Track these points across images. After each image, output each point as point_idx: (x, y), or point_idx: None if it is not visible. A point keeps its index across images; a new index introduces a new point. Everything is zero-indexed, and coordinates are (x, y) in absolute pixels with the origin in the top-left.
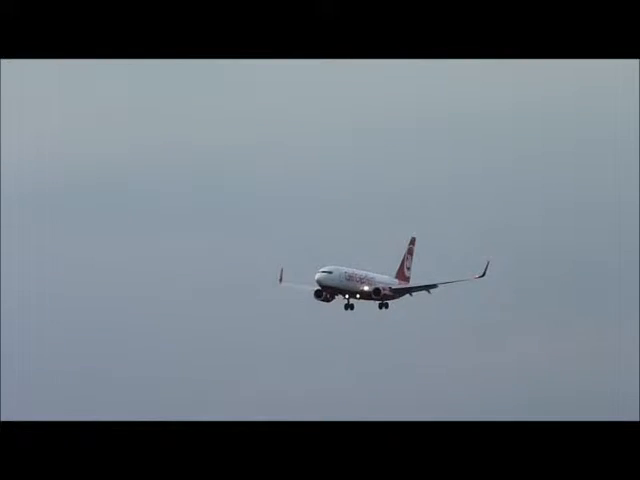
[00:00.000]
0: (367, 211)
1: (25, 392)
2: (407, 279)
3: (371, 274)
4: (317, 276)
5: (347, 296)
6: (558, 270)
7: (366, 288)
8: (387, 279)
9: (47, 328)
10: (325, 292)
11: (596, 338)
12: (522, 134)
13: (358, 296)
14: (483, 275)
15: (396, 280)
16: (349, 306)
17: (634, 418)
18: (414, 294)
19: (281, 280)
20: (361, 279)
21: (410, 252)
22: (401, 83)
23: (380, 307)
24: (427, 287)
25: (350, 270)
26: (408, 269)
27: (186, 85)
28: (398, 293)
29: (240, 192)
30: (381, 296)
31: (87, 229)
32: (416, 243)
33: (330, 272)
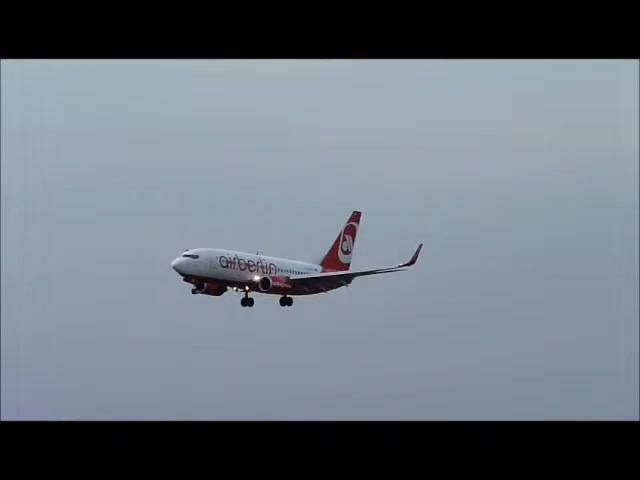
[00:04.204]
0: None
1: (25, 392)
2: (344, 267)
3: (271, 259)
4: (174, 262)
5: (235, 288)
6: (557, 269)
7: (256, 278)
8: (302, 266)
9: (46, 326)
10: (195, 282)
11: (596, 337)
12: (521, 134)
13: (247, 288)
14: (412, 262)
15: (319, 268)
16: (247, 301)
17: (634, 418)
18: (332, 291)
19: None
20: (250, 265)
21: (350, 231)
22: (401, 83)
23: (282, 304)
24: (339, 278)
25: (231, 253)
26: (346, 253)
27: (186, 85)
28: (306, 285)
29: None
30: (270, 289)
31: (87, 228)
32: (361, 220)
33: (195, 256)
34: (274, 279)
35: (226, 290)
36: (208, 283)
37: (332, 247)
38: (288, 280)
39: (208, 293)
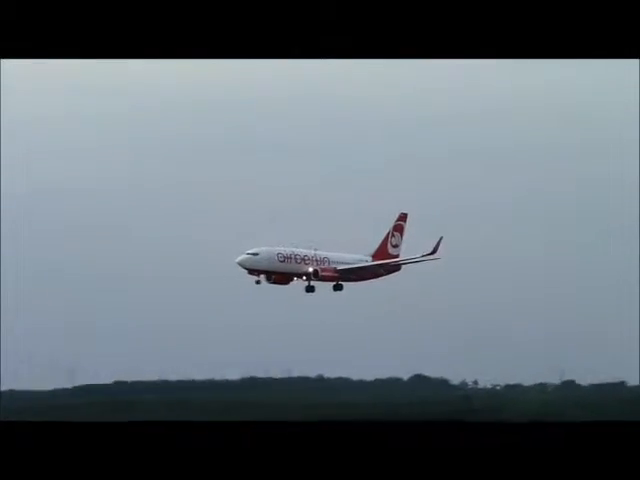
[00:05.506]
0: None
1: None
2: (393, 258)
3: (326, 253)
4: (239, 259)
5: (297, 278)
6: (558, 267)
7: (309, 269)
8: (353, 258)
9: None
10: (258, 275)
11: (596, 336)
12: (522, 134)
13: (304, 277)
14: (433, 252)
15: (369, 259)
16: (309, 289)
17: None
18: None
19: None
20: (305, 259)
21: (398, 229)
22: (401, 83)
23: (335, 289)
24: (377, 267)
25: (287, 250)
26: (395, 247)
27: (186, 85)
28: (352, 274)
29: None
30: (320, 277)
31: (88, 225)
32: (407, 220)
33: (256, 254)
34: (323, 270)
35: (292, 280)
36: (274, 275)
37: (382, 242)
38: (336, 270)
39: (277, 283)
